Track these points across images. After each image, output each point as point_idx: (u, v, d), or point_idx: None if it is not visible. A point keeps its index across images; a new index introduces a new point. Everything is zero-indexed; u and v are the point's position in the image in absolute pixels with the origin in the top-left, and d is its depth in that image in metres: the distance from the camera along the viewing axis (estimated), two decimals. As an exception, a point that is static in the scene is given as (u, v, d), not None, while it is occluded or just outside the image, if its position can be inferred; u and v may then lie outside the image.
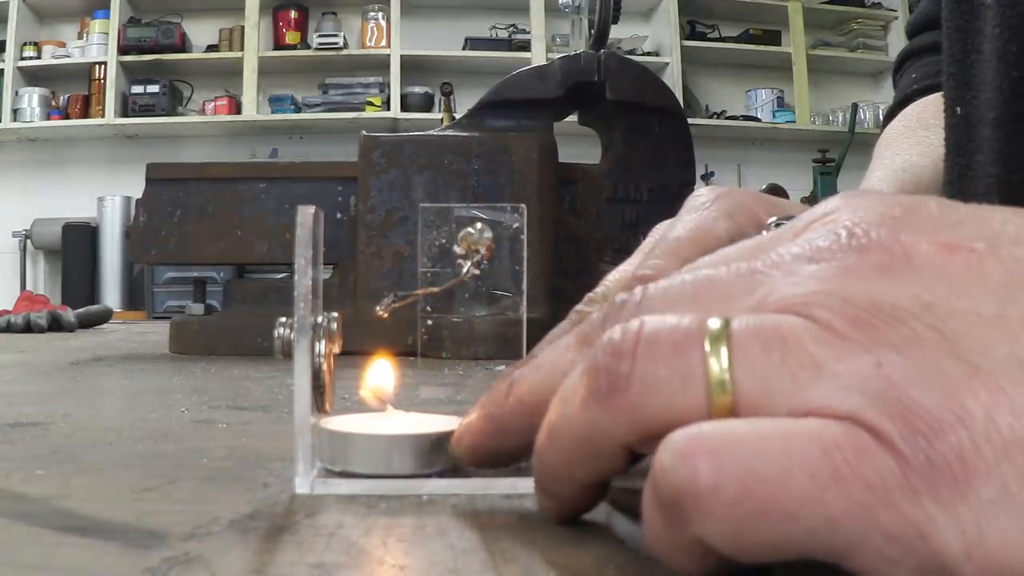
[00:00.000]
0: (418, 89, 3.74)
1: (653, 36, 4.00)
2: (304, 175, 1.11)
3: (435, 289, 0.42)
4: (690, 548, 0.19)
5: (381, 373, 0.41)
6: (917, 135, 0.74)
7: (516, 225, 0.42)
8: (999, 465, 0.17)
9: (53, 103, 3.63)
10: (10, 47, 3.55)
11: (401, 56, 3.68)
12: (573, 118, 1.24)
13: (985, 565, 0.16)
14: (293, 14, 3.77)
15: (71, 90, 3.63)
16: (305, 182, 1.10)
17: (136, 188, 1.10)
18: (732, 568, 0.20)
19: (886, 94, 4.17)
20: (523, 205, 0.42)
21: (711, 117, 3.94)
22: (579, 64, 1.12)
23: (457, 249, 0.41)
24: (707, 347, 0.20)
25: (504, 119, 1.11)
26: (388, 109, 3.68)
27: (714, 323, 0.21)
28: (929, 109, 0.75)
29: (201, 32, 3.78)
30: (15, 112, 3.55)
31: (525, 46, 3.80)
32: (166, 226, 1.08)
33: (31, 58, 3.60)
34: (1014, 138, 0.51)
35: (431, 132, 1.10)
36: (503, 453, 0.31)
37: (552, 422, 0.25)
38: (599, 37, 1.13)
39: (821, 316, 0.20)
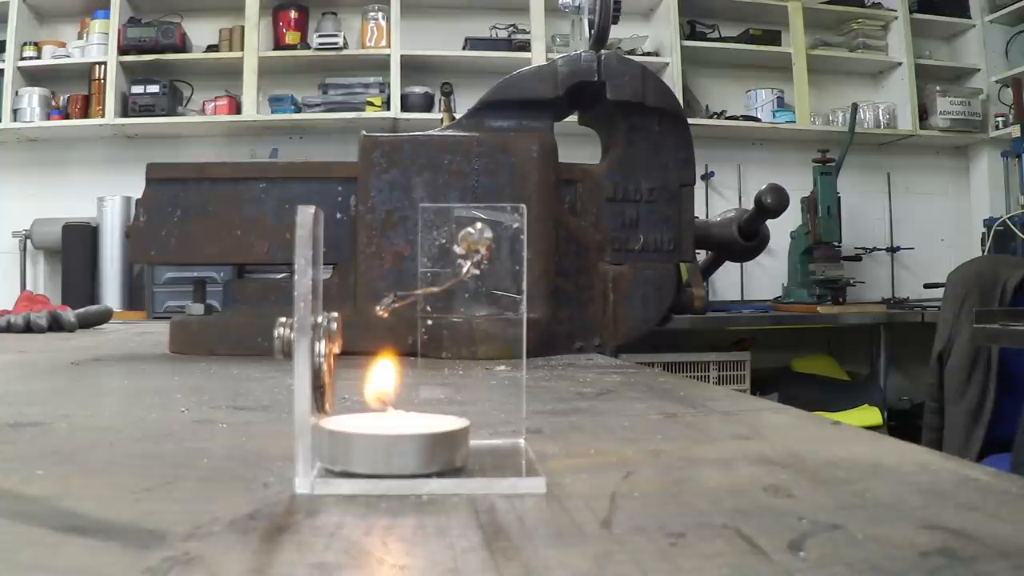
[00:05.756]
0: (418, 89, 3.73)
1: (653, 36, 4.00)
2: (304, 175, 1.11)
3: (435, 289, 0.42)
4: None
5: (382, 374, 0.41)
6: None
7: (516, 225, 0.42)
8: None
9: (53, 103, 3.63)
10: (10, 47, 3.54)
11: (401, 56, 3.67)
12: (573, 118, 1.24)
13: None
14: (293, 14, 3.76)
15: (71, 90, 3.63)
16: (305, 182, 1.10)
17: (136, 188, 1.10)
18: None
19: (886, 94, 4.17)
20: (523, 205, 0.42)
21: (711, 117, 3.93)
22: (579, 64, 1.12)
23: (457, 249, 0.41)
24: None
25: (504, 119, 1.11)
26: (388, 109, 3.67)
27: None
28: None
29: (201, 32, 3.77)
30: (15, 112, 3.54)
31: (525, 46, 3.79)
32: (166, 226, 1.08)
33: (31, 58, 3.60)
34: None
35: (431, 132, 1.10)
36: None
37: None
38: (599, 37, 1.13)
39: None
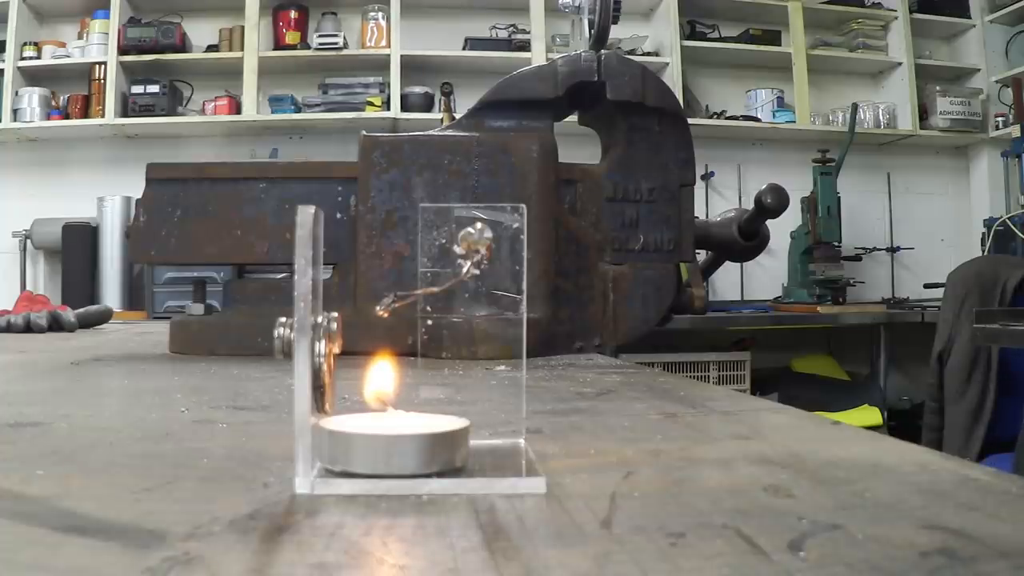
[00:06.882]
0: (418, 89, 3.73)
1: (653, 36, 4.00)
2: (304, 175, 1.11)
3: (435, 289, 0.42)
4: None
5: (382, 374, 0.41)
6: None
7: (516, 225, 0.42)
8: None
9: (53, 103, 3.62)
10: (10, 47, 3.54)
11: (401, 56, 3.67)
12: (573, 118, 1.24)
13: None
14: (293, 14, 3.76)
15: (71, 90, 3.62)
16: (305, 182, 1.10)
17: (136, 188, 1.10)
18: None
19: (886, 94, 4.17)
20: (523, 205, 0.42)
21: (711, 117, 3.93)
22: (579, 64, 1.12)
23: (457, 249, 0.41)
24: None
25: (504, 119, 1.11)
26: (388, 109, 3.67)
27: None
28: None
29: (201, 32, 3.77)
30: (15, 112, 3.54)
31: (525, 46, 3.79)
32: (166, 226, 1.08)
33: (31, 58, 3.60)
34: None
35: (431, 132, 1.10)
36: None
37: None
38: (599, 37, 1.13)
39: None
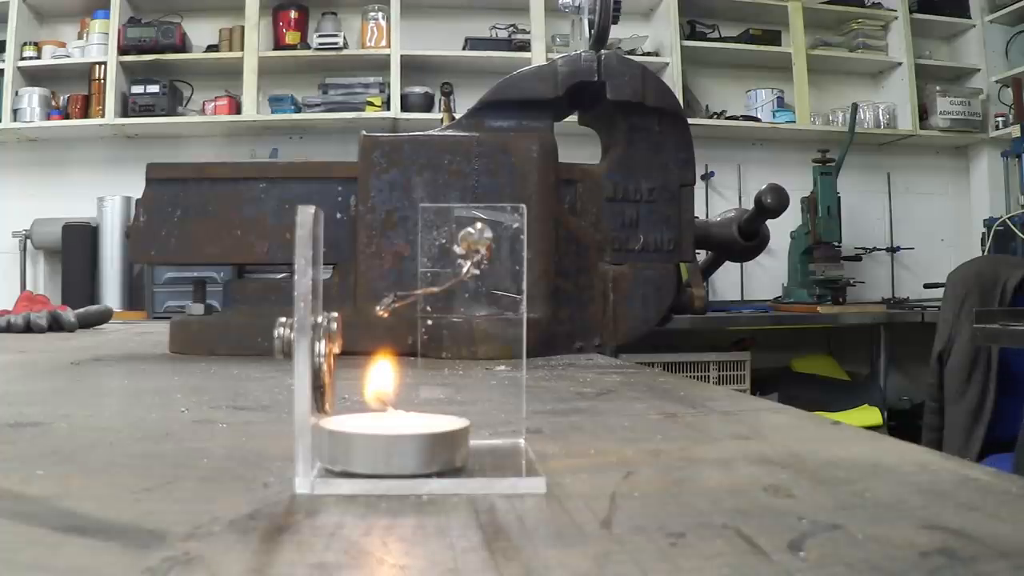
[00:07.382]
0: (418, 89, 3.73)
1: (653, 36, 4.00)
2: (304, 175, 1.11)
3: (435, 289, 0.42)
4: None
5: (382, 374, 0.41)
6: None
7: (516, 225, 0.42)
8: None
9: (53, 103, 3.62)
10: (10, 47, 3.54)
11: (401, 56, 3.67)
12: (573, 118, 1.24)
13: None
14: (293, 14, 3.76)
15: (71, 90, 3.62)
16: (305, 182, 1.10)
17: (136, 188, 1.10)
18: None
19: (886, 94, 4.16)
20: (523, 205, 0.42)
21: (711, 117, 3.93)
22: (579, 64, 1.12)
23: (457, 249, 0.41)
24: None
25: (504, 119, 1.11)
26: (388, 109, 3.67)
27: None
28: None
29: (201, 32, 3.77)
30: (15, 112, 3.54)
31: (525, 46, 3.79)
32: (166, 226, 1.08)
33: (31, 58, 3.60)
34: None
35: (431, 132, 1.10)
36: None
37: None
38: (599, 37, 1.13)
39: None
